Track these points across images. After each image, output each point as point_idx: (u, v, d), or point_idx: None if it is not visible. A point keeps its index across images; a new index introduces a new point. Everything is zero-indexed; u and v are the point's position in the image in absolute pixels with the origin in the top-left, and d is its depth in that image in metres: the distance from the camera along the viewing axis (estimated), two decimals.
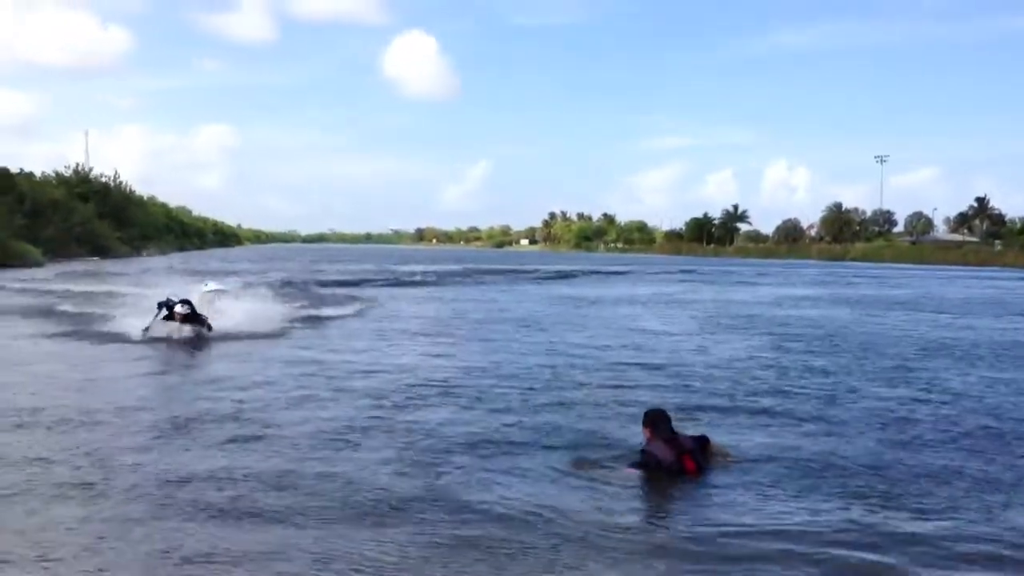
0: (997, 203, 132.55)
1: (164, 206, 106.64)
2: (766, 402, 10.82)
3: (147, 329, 15.74)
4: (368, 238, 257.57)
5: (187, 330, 15.83)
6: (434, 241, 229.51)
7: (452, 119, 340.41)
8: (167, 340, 15.57)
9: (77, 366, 13.09)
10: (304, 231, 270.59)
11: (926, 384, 12.59)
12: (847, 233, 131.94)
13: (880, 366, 14.44)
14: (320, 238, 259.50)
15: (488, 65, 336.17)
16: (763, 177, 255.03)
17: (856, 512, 6.48)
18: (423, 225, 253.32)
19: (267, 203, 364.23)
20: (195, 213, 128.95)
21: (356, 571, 5.20)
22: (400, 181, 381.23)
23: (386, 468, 7.35)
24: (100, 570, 5.16)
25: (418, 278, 42.48)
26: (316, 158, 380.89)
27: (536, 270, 55.92)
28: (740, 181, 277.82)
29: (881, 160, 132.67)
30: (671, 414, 7.74)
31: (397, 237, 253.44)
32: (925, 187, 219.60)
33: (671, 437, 7.36)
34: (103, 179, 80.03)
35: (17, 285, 31.27)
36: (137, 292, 22.78)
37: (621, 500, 6.69)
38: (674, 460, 7.18)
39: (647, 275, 53.19)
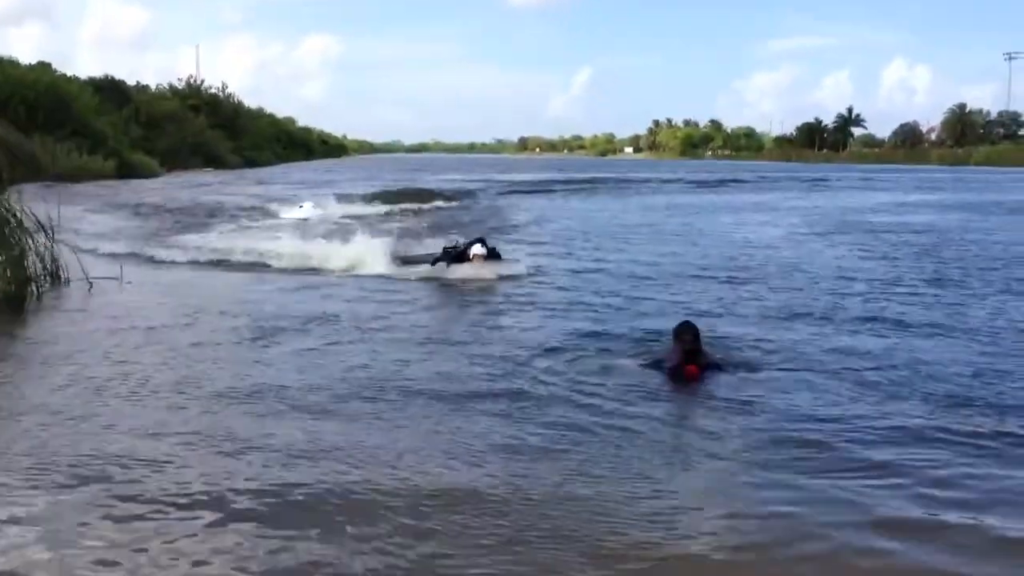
0: None
1: (272, 117, 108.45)
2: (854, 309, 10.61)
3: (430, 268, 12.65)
4: (471, 148, 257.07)
5: (486, 271, 12.44)
6: (537, 150, 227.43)
7: (557, 26, 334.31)
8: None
9: None
10: (407, 141, 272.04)
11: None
12: (971, 136, 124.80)
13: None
14: (422, 148, 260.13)
15: None
16: (880, 79, 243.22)
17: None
18: (526, 134, 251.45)
19: (371, 114, 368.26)
20: (300, 124, 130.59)
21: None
22: (503, 90, 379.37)
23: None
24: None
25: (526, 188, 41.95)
26: (419, 68, 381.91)
27: (647, 179, 54.99)
28: (855, 83, 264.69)
29: (1010, 57, 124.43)
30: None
31: (500, 146, 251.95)
32: None
33: (692, 348, 7.31)
34: (213, 91, 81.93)
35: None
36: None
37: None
38: (679, 363, 7.22)
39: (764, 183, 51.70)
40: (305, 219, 22.40)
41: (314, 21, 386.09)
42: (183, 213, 24.21)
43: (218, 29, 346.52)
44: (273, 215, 24.10)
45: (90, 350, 8.10)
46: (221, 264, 14.49)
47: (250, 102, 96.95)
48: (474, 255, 12.36)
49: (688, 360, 7.24)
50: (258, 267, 14.06)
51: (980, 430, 6.02)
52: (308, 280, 12.68)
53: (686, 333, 7.41)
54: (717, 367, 7.46)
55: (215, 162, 65.54)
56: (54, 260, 11.73)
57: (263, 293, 11.60)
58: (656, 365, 7.50)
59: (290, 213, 23.86)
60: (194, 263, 14.60)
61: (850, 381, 7.21)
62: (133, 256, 15.03)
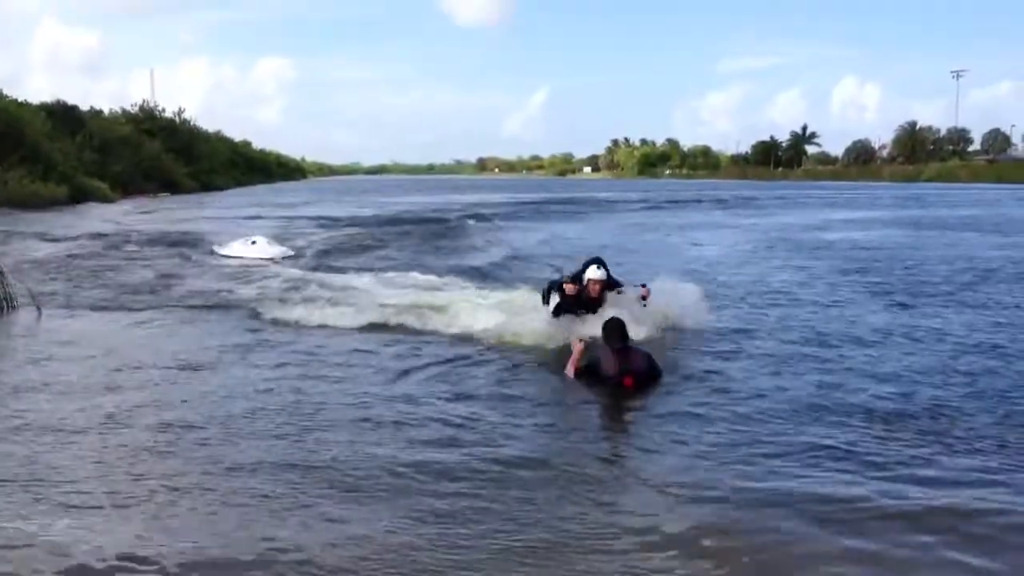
0: None
1: (229, 140, 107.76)
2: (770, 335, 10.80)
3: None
4: (431, 168, 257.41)
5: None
6: (496, 170, 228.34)
7: (512, 46, 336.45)
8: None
9: None
10: (366, 163, 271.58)
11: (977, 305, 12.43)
12: (921, 153, 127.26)
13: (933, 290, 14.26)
14: (382, 169, 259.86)
15: None
16: (832, 96, 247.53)
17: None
18: (485, 155, 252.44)
19: (328, 135, 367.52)
20: (257, 147, 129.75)
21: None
22: (460, 111, 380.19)
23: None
24: None
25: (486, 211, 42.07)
26: (376, 89, 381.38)
27: (614, 200, 55.33)
28: (808, 101, 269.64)
29: (957, 75, 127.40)
30: None
31: (459, 167, 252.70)
32: (1003, 102, 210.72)
33: (622, 348, 7.60)
34: (168, 115, 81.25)
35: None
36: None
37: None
38: (616, 374, 7.46)
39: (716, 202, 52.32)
40: (267, 260, 18.24)
41: (268, 43, 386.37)
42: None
43: (172, 52, 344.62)
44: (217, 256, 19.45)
45: None
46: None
47: (206, 125, 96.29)
48: (589, 280, 9.47)
49: (620, 359, 7.51)
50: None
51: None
52: None
53: (613, 333, 7.66)
54: (648, 365, 7.69)
55: (171, 187, 64.91)
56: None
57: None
58: (592, 370, 7.69)
59: (241, 250, 19.18)
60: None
61: (790, 390, 7.39)
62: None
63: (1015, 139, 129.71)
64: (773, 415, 6.82)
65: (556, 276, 10.08)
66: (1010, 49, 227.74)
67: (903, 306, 12.32)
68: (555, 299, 9.54)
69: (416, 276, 15.15)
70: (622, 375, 7.44)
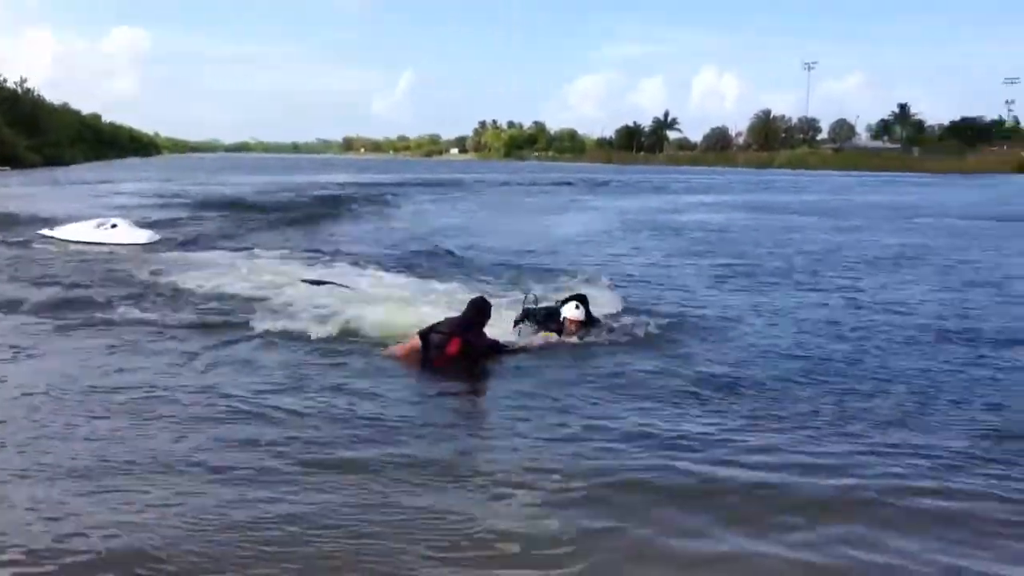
0: (918, 109, 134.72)
1: (76, 113, 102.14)
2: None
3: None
4: (295, 147, 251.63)
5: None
6: (362, 151, 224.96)
7: (377, 26, 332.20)
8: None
9: None
10: (227, 140, 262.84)
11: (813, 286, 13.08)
12: (774, 141, 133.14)
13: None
14: (243, 147, 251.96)
15: None
16: (693, 85, 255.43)
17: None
18: (351, 134, 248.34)
19: (186, 111, 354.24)
20: (108, 120, 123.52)
21: None
22: (326, 89, 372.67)
23: None
24: None
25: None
26: (238, 64, 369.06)
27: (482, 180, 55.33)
28: (671, 89, 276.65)
29: (809, 67, 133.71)
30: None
31: (324, 146, 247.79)
32: (851, 94, 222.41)
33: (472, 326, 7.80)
34: (10, 85, 76.36)
35: None
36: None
37: None
38: (441, 341, 7.62)
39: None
40: (130, 246, 16.24)
41: (120, 13, 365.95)
42: None
43: (14, 21, 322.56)
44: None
45: None
46: None
47: (52, 97, 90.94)
48: (567, 319, 8.91)
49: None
50: None
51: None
52: None
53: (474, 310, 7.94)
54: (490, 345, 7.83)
55: (11, 162, 61.01)
56: None
57: None
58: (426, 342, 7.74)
59: (98, 235, 16.87)
60: None
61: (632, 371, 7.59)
62: None
63: (859, 129, 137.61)
64: (606, 399, 6.97)
65: (531, 302, 9.60)
66: (857, 44, 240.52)
67: (744, 288, 12.83)
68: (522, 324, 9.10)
69: (264, 262, 14.46)
70: (449, 341, 7.56)
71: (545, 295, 10.38)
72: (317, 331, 8.73)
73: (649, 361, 8.11)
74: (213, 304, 10.46)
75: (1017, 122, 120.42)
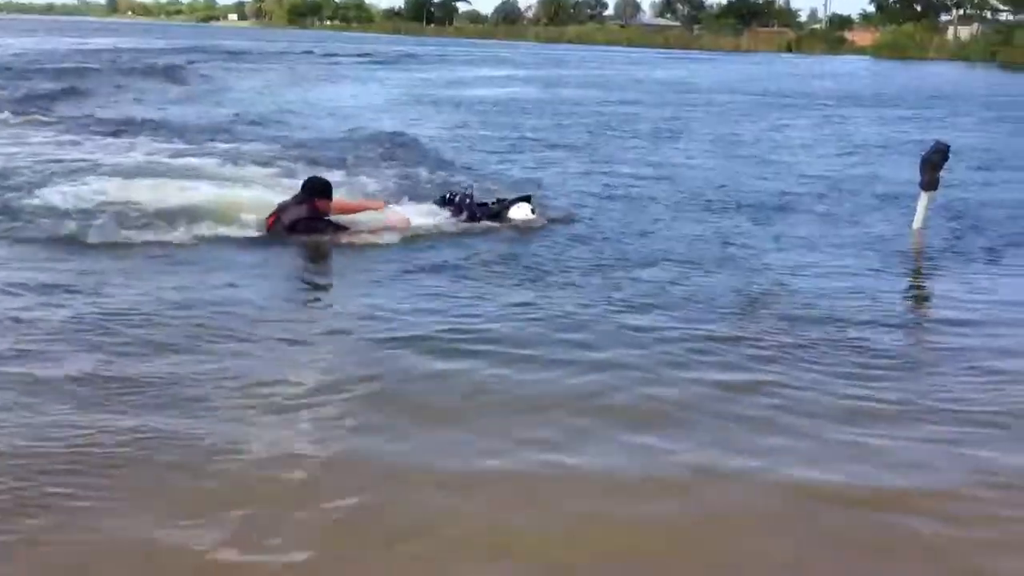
0: None
1: None
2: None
3: None
4: (51, 8, 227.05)
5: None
6: (130, 14, 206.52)
7: None
8: None
9: None
10: None
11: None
12: (563, 16, 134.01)
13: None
14: None
15: None
16: None
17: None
18: None
19: None
20: None
21: None
22: None
23: None
24: None
25: None
26: None
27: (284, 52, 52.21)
28: None
29: None
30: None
31: (86, 7, 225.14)
32: None
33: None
34: None
35: None
36: None
37: None
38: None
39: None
40: None
41: None
42: None
43: None
44: None
45: None
46: None
47: None
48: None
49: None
50: None
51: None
52: None
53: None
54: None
55: None
56: None
57: None
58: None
59: None
60: None
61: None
62: None
63: (644, 6, 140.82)
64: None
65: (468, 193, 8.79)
66: None
67: (530, 163, 13.11)
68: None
69: None
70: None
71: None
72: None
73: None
74: None
75: (787, 2, 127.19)
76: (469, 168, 11.80)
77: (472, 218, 8.42)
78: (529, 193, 9.17)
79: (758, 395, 4.79)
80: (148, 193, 8.55)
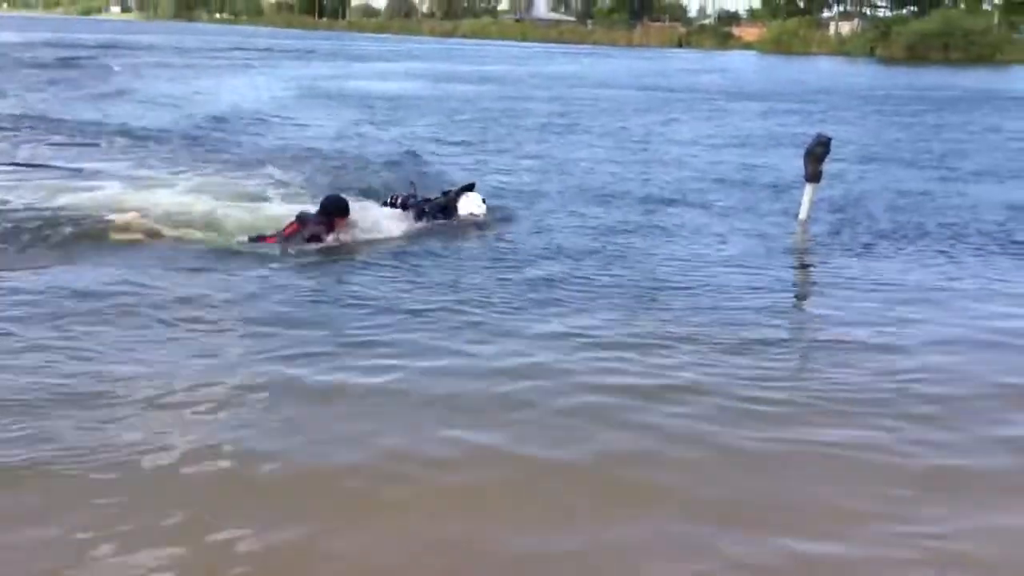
0: None
1: None
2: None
3: None
4: None
5: None
6: (5, 6, 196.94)
7: None
8: None
9: None
10: None
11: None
12: (457, 9, 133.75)
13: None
14: None
15: None
16: None
17: None
18: None
19: None
20: None
21: None
22: None
23: None
24: None
25: None
26: None
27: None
28: None
29: None
30: None
31: None
32: None
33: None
34: None
35: None
36: None
37: None
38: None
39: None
40: None
41: None
42: None
43: None
44: None
45: None
46: None
47: None
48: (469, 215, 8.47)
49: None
50: None
51: None
52: None
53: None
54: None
55: None
56: None
57: None
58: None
59: None
60: None
61: None
62: None
63: (538, 1, 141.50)
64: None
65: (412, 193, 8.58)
66: None
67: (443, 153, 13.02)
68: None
69: None
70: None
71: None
72: None
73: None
74: None
75: None
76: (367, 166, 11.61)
77: (421, 215, 8.22)
78: (472, 181, 8.99)
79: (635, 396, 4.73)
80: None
